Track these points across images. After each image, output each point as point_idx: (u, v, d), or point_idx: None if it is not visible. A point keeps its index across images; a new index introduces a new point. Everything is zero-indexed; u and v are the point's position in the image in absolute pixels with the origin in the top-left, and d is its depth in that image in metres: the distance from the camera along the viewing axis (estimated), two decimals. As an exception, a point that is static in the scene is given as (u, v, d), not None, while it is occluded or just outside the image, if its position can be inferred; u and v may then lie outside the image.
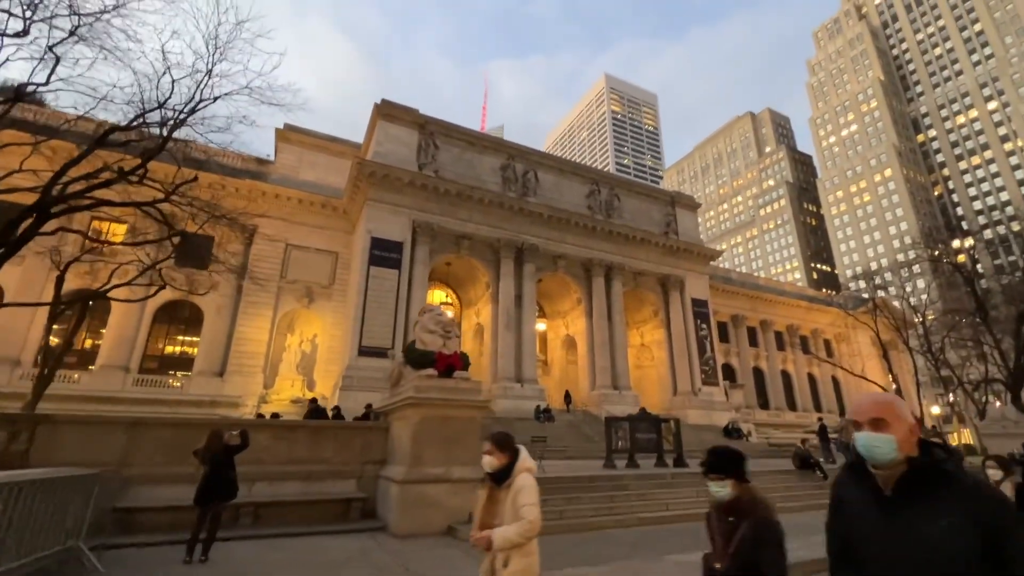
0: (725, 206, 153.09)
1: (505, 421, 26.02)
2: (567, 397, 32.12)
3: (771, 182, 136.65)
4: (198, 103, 12.33)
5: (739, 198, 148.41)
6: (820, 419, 22.12)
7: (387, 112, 31.03)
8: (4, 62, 9.96)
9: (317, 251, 31.85)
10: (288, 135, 33.66)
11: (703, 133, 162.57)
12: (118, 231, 28.83)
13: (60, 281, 14.49)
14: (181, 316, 29.61)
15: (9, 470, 5.67)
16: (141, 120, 12.19)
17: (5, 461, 6.52)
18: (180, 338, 29.76)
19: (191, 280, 28.92)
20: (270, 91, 13.55)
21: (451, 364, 8.90)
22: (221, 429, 7.12)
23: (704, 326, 38.38)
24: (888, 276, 41.10)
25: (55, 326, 26.99)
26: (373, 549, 6.87)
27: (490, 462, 3.41)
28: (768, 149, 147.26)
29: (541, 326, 39.15)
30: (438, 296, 36.38)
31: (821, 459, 13.50)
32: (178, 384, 27.78)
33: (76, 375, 25.94)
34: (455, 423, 8.25)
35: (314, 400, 17.47)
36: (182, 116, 12.14)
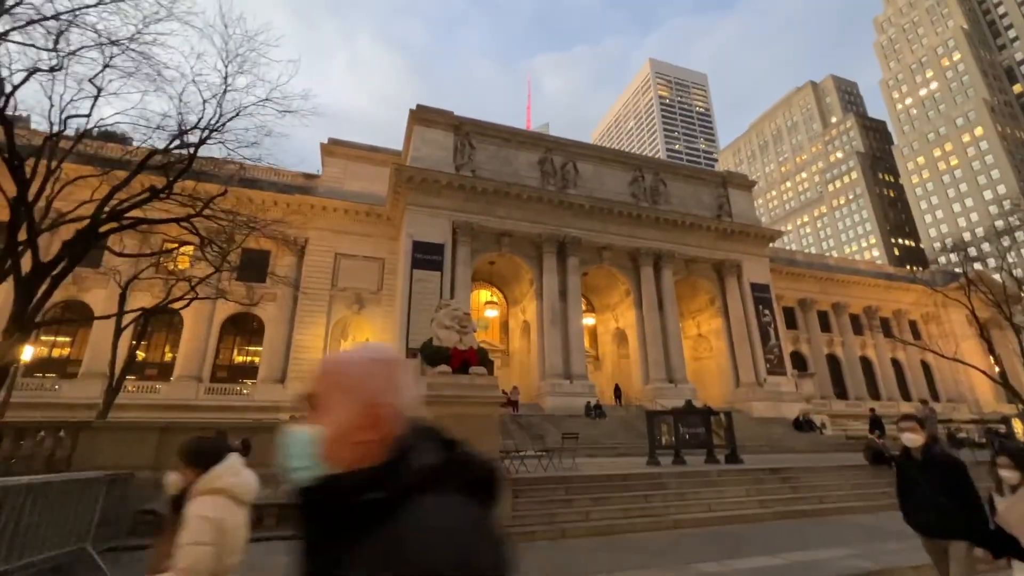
0: (788, 184, 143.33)
1: (554, 419, 25.58)
2: (617, 391, 31.12)
3: (839, 154, 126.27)
4: (220, 119, 12.84)
5: (803, 175, 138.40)
6: (872, 410, 19.82)
7: (422, 117, 31.45)
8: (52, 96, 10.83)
9: (365, 259, 32.82)
10: (332, 148, 34.97)
11: (761, 110, 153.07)
12: (186, 253, 31.21)
13: (122, 298, 15.65)
14: (246, 328, 31.44)
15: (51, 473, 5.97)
16: (179, 141, 12.91)
17: (51, 465, 7.05)
18: (246, 348, 31.64)
19: (251, 293, 30.87)
20: (285, 100, 13.91)
21: (466, 360, 8.62)
22: (225, 432, 7.26)
23: (767, 312, 35.87)
24: (985, 247, 36.42)
25: (142, 342, 29.65)
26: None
27: (175, 483, 2.57)
28: (834, 119, 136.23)
29: (590, 320, 38.29)
30: (483, 296, 36.47)
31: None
32: (246, 392, 29.54)
33: (157, 386, 28.20)
34: (471, 420, 7.95)
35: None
36: (205, 134, 12.69)
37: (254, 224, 15.99)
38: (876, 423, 22.50)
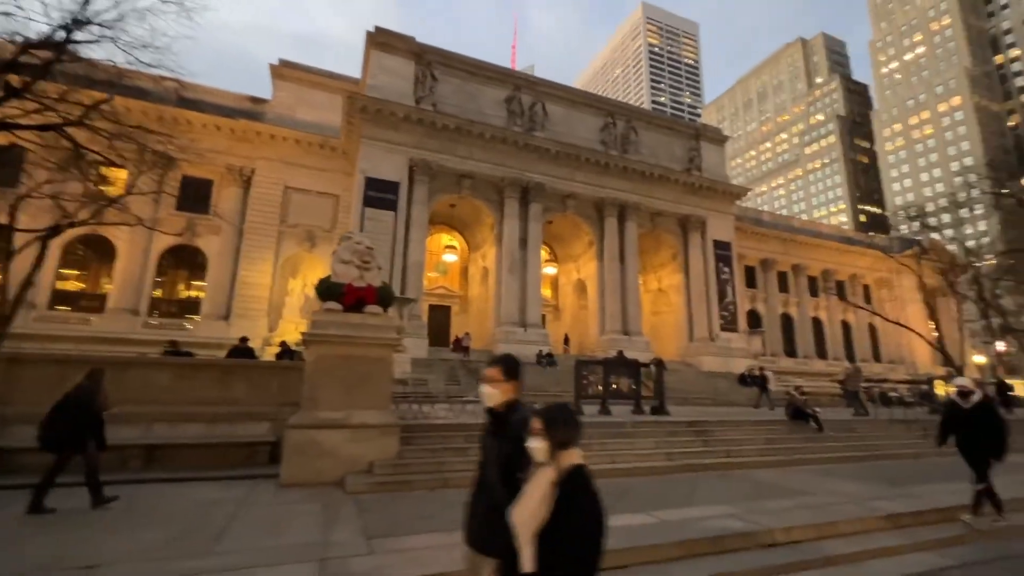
0: (768, 144, 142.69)
1: (504, 365, 25.42)
2: (566, 340, 31.21)
3: (820, 116, 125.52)
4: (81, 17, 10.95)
5: (783, 135, 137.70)
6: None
7: (381, 41, 28.95)
8: None
9: (318, 194, 31.10)
10: (283, 71, 32.17)
11: (753, 66, 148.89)
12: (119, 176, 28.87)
13: (11, 217, 14.11)
14: (190, 261, 29.80)
15: None
16: (64, 37, 11.10)
17: None
18: (190, 282, 30.13)
19: (192, 224, 29.06)
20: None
21: (362, 297, 7.90)
22: (103, 368, 6.48)
23: (726, 269, 36.12)
24: (945, 218, 37.03)
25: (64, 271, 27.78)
26: (229, 501, 6.12)
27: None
28: (819, 80, 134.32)
29: (551, 270, 37.96)
30: (444, 240, 35.41)
31: (817, 409, 12.15)
32: (189, 327, 28.39)
33: (91, 318, 26.76)
34: (360, 363, 7.35)
35: (283, 343, 17.05)
36: (73, 27, 10.88)
37: (161, 143, 14.34)
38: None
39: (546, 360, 26.33)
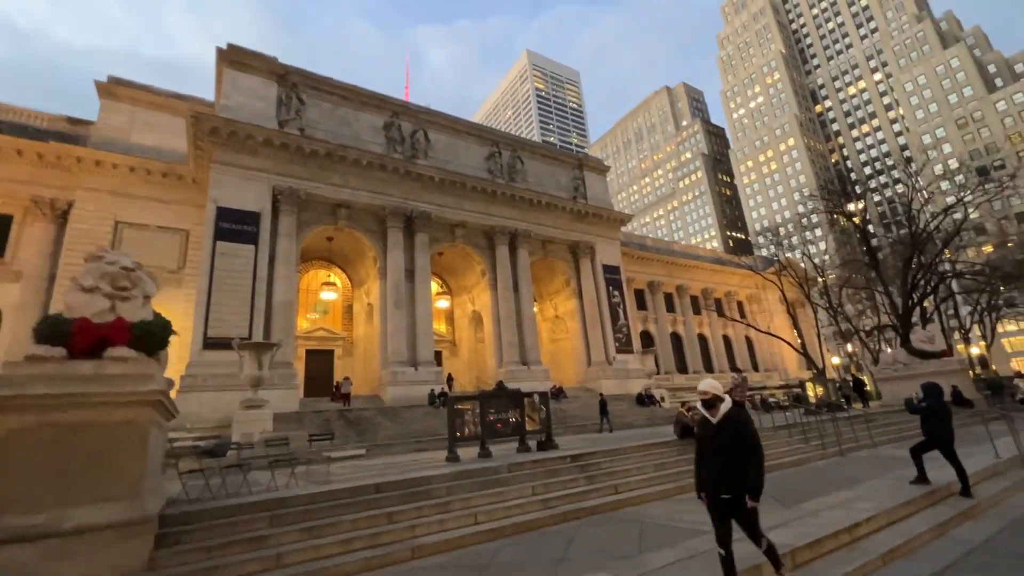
0: (647, 179, 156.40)
1: (391, 412, 22.93)
2: (449, 379, 29.17)
3: (688, 155, 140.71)
4: None
5: (660, 171, 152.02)
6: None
7: (234, 59, 26.07)
8: None
9: (160, 229, 26.52)
10: (114, 90, 27.66)
11: (633, 106, 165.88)
12: None
13: None
14: (-21, 317, 23.50)
15: None
16: None
17: None
18: (-20, 345, 23.65)
19: (-24, 270, 23.14)
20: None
21: (104, 338, 5.52)
22: None
23: (616, 293, 36.94)
24: (791, 228, 41.82)
25: None
26: None
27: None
28: (684, 123, 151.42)
29: (445, 303, 36.16)
30: (321, 276, 32.13)
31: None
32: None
33: None
34: (89, 434, 4.88)
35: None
36: None
37: None
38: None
39: (440, 400, 24.09)
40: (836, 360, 51.49)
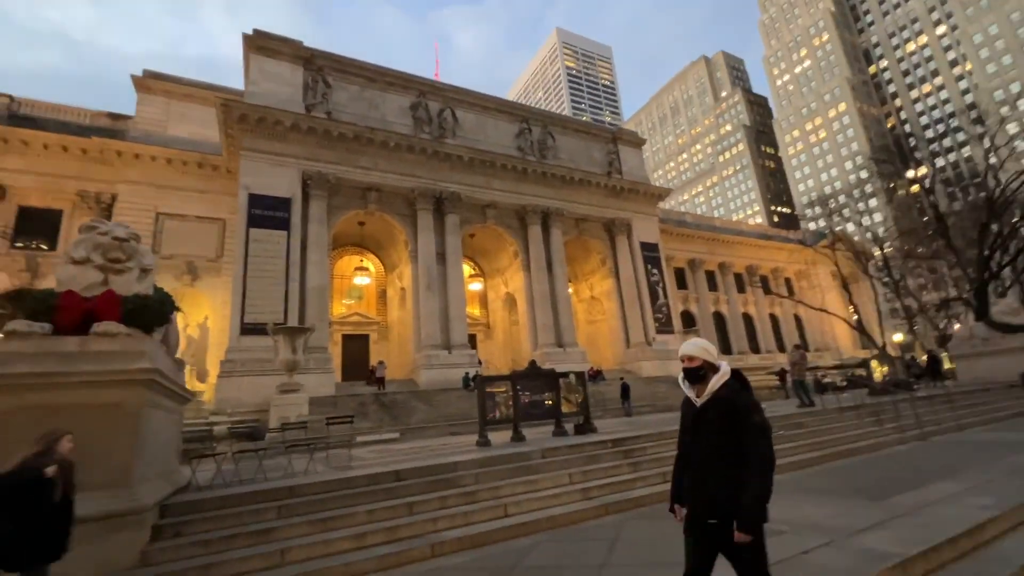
0: (685, 156, 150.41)
1: (426, 395, 22.68)
2: (481, 364, 28.49)
3: (728, 127, 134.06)
4: None
5: (698, 146, 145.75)
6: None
7: (261, 45, 25.92)
8: None
9: (198, 219, 27.03)
10: (149, 83, 28.16)
11: (667, 79, 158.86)
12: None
13: None
14: (36, 309, 24.62)
15: None
16: None
17: None
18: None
19: (33, 263, 24.15)
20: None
21: (92, 312, 5.05)
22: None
23: (656, 271, 35.35)
24: (843, 199, 38.70)
25: None
26: None
27: None
28: (724, 94, 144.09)
29: (478, 286, 35.64)
30: (353, 261, 32.12)
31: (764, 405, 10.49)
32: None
33: None
34: (72, 417, 4.42)
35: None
36: None
37: None
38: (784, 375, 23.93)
39: (474, 383, 23.62)
40: (898, 337, 47.97)
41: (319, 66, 27.20)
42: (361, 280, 31.16)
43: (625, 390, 22.25)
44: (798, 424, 10.60)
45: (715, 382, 2.78)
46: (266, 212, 23.53)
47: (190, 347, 25.40)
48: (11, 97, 25.23)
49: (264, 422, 18.35)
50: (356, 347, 30.59)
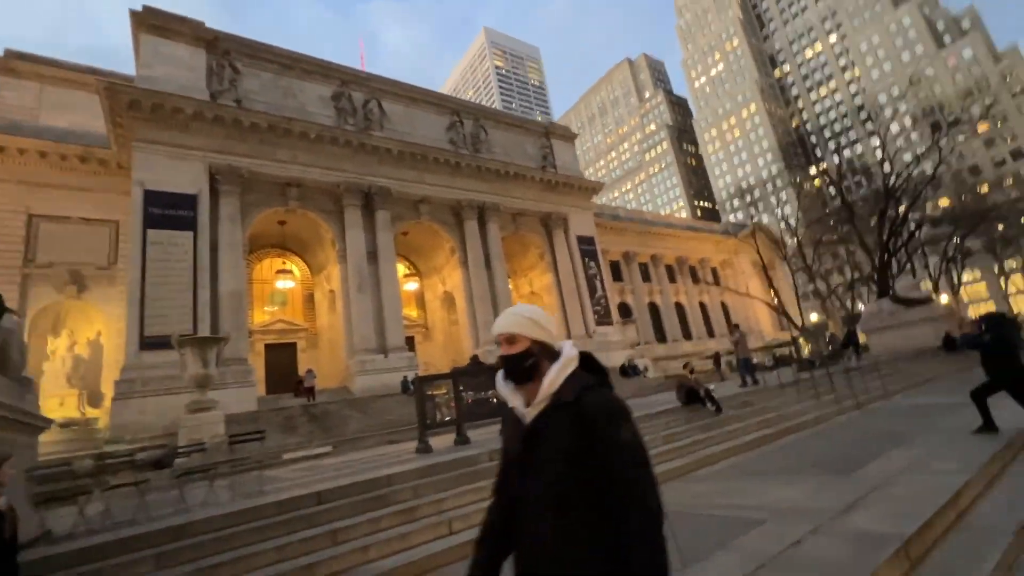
0: (614, 154, 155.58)
1: (361, 403, 21.11)
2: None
3: (653, 126, 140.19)
4: None
5: (625, 145, 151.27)
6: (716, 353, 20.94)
7: (153, 23, 22.98)
8: None
9: (83, 221, 23.63)
10: (15, 65, 24.28)
11: (594, 81, 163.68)
12: None
13: None
14: None
15: None
16: None
17: None
18: None
19: None
20: None
21: None
22: None
23: (593, 264, 35.65)
24: (758, 192, 41.22)
25: None
26: None
27: None
28: (647, 95, 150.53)
29: (414, 285, 34.20)
30: (275, 264, 29.62)
31: (711, 387, 10.35)
32: None
33: None
34: None
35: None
36: None
37: None
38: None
39: (413, 387, 22.33)
40: (814, 317, 51.96)
41: (225, 50, 24.65)
42: (284, 284, 28.74)
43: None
44: (746, 403, 10.59)
45: (554, 377, 1.51)
46: (167, 211, 20.87)
47: (78, 368, 22.10)
48: None
49: (173, 447, 16.15)
50: (282, 357, 28.15)
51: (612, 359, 31.61)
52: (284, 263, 29.57)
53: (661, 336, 47.53)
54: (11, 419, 4.99)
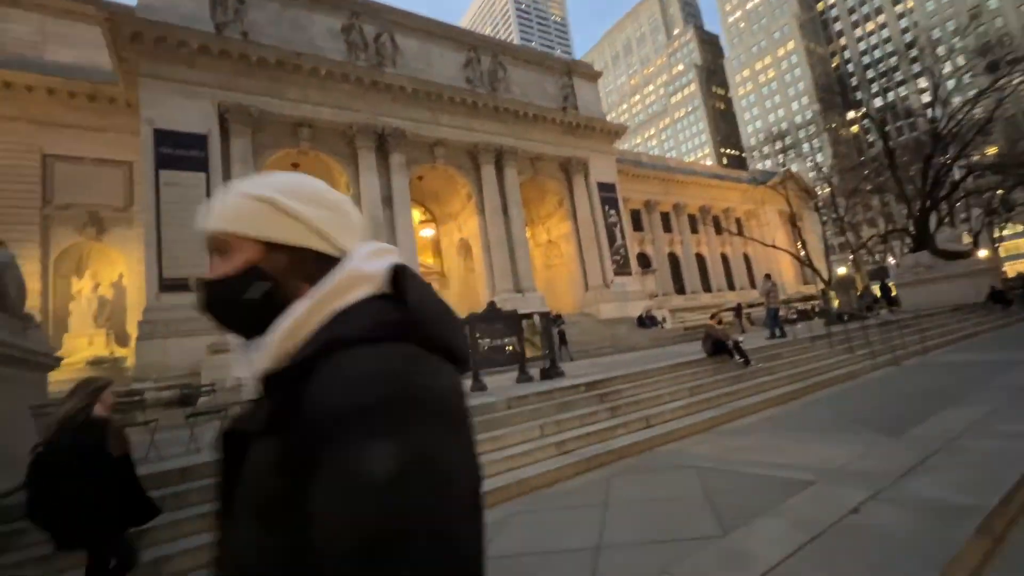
0: (637, 97, 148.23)
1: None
2: None
3: (680, 67, 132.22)
4: None
5: (651, 87, 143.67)
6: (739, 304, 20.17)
7: (151, -54, 21.49)
8: None
9: (98, 162, 23.34)
10: (14, -5, 23.19)
11: (621, 15, 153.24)
12: None
13: None
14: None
15: None
16: None
17: None
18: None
19: None
20: None
21: None
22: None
23: (613, 212, 34.50)
24: (791, 138, 38.56)
25: None
26: None
27: None
28: (676, 31, 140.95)
29: (430, 232, 33.73)
30: (290, 208, 29.17)
31: (740, 338, 9.87)
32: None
33: None
34: None
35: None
36: None
37: None
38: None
39: (429, 333, 22.37)
40: (841, 270, 50.36)
41: (228, -24, 23.13)
42: (300, 229, 28.48)
43: (562, 336, 21.11)
44: (775, 355, 10.13)
45: (297, 319, 0.69)
46: (178, 151, 20.37)
47: (104, 309, 22.57)
48: None
49: (196, 387, 16.57)
50: (300, 302, 28.41)
51: (629, 310, 31.23)
52: (299, 207, 29.14)
53: (680, 287, 46.76)
54: (11, 355, 4.80)
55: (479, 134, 29.25)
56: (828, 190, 36.22)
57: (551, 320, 10.68)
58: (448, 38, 30.34)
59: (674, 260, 47.49)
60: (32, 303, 21.36)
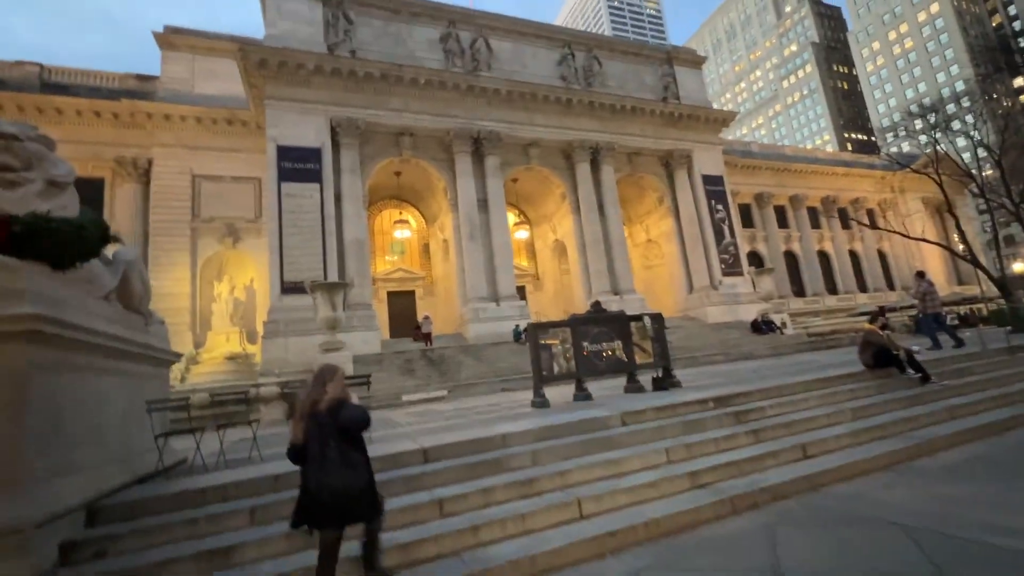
0: (743, 84, 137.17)
1: (474, 350, 21.34)
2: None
3: (794, 47, 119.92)
4: None
5: (758, 72, 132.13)
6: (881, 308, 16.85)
7: (275, -20, 23.74)
8: None
9: (234, 180, 26.23)
10: (172, 39, 26.92)
11: (715, 5, 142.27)
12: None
13: None
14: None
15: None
16: None
17: None
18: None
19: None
20: None
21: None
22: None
23: (720, 207, 31.68)
24: (934, 117, 32.14)
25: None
26: None
27: None
28: (788, 8, 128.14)
29: (524, 234, 33.50)
30: (393, 215, 30.65)
31: (914, 348, 7.86)
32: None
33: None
34: None
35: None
36: None
37: None
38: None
39: (525, 336, 21.99)
40: (1018, 267, 41.74)
41: (339, 1, 24.83)
42: (401, 234, 29.78)
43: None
44: (962, 370, 8.04)
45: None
46: (296, 164, 22.18)
47: (238, 309, 25.21)
48: (41, 65, 24.76)
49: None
50: (402, 303, 29.65)
51: (740, 314, 28.41)
52: (401, 214, 30.52)
53: (799, 289, 41.89)
54: (127, 351, 4.96)
55: (574, 132, 28.44)
56: (998, 171, 29.87)
57: (663, 321, 9.52)
58: (541, 36, 29.96)
59: (791, 258, 42.69)
60: (183, 304, 24.53)
